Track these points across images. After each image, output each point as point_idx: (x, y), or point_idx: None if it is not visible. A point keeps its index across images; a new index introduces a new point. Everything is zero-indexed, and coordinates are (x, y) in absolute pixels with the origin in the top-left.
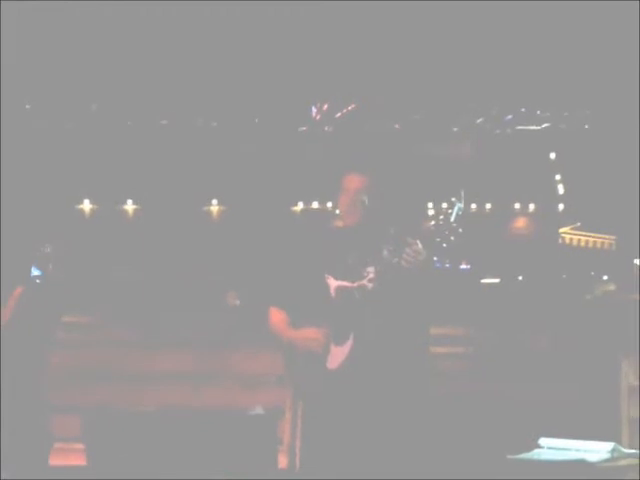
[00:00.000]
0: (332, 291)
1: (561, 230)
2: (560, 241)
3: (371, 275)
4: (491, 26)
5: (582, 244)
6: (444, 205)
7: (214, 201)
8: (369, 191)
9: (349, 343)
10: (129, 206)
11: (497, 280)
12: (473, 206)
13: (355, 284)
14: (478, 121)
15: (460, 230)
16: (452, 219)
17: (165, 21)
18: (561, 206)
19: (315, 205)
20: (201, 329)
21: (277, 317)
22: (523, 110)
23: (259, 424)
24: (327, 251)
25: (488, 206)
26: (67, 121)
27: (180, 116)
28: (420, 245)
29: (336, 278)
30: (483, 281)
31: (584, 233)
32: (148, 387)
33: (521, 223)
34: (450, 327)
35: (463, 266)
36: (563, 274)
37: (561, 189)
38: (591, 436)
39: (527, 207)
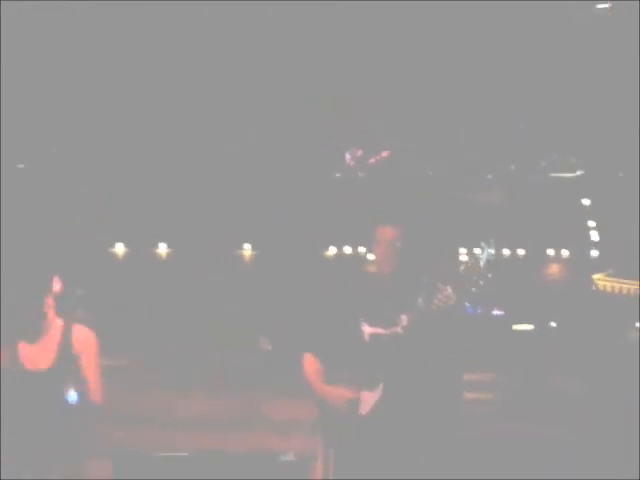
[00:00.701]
0: (366, 337)
1: (594, 276)
2: (593, 287)
3: (404, 322)
4: (527, 73)
5: (615, 290)
6: (476, 251)
7: (247, 245)
8: (402, 241)
9: (379, 389)
10: (162, 250)
11: (530, 326)
12: (506, 252)
13: (388, 331)
14: (511, 168)
15: (489, 275)
16: (481, 264)
17: (193, 60)
18: (594, 252)
19: (347, 250)
20: (233, 374)
21: (311, 366)
22: (556, 157)
23: (291, 470)
24: (362, 298)
25: (521, 252)
26: (100, 165)
27: (214, 161)
28: (450, 290)
29: (370, 325)
30: (516, 327)
31: (617, 280)
32: (180, 431)
33: (554, 269)
34: (483, 373)
35: (496, 312)
36: (596, 320)
37: (594, 235)
38: None
39: (560, 253)
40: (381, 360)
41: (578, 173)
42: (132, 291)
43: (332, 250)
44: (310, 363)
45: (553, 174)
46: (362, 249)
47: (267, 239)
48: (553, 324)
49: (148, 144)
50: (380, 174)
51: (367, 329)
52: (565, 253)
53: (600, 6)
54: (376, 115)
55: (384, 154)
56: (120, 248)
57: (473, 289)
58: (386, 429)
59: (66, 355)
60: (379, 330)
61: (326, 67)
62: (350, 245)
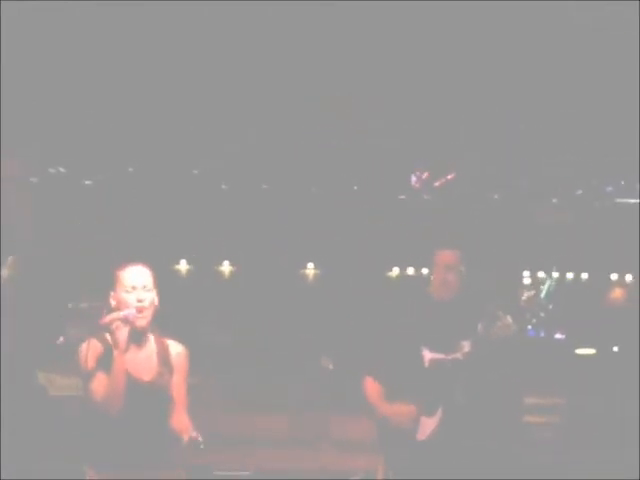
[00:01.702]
0: (426, 362)
1: None
2: None
3: (466, 349)
4: (596, 99)
5: None
6: (540, 274)
7: (310, 265)
8: (462, 265)
9: (438, 414)
10: (225, 267)
11: (592, 350)
12: (569, 275)
13: (449, 357)
14: (578, 192)
15: (550, 307)
16: (543, 295)
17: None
18: None
19: (410, 271)
20: (296, 393)
21: (372, 389)
22: (623, 183)
23: None
24: (424, 323)
25: (584, 276)
26: (167, 183)
27: (279, 181)
28: (510, 319)
29: (431, 350)
30: (578, 351)
31: None
32: (244, 450)
33: (618, 294)
34: (544, 397)
35: (558, 336)
36: None
37: None
38: None
39: (624, 278)
40: (441, 386)
41: None
42: (196, 309)
43: (395, 271)
44: (371, 386)
45: (619, 199)
46: (425, 270)
47: (331, 258)
48: (616, 349)
49: (212, 161)
50: (445, 196)
51: (427, 355)
52: (629, 278)
53: None
54: (443, 138)
55: (450, 177)
56: (183, 265)
57: (534, 320)
58: (445, 454)
59: (167, 369)
60: (440, 356)
61: (391, 89)
62: (413, 266)
